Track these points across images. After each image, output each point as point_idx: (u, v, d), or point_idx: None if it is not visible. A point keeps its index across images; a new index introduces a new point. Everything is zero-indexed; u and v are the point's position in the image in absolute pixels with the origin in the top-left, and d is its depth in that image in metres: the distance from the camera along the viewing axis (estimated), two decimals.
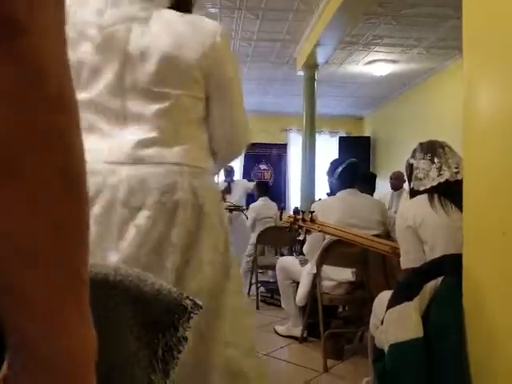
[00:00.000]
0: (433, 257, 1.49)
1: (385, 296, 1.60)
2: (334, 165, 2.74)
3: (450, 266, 1.38)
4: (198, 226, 0.96)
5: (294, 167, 7.73)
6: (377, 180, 5.23)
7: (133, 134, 0.95)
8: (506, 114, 1.19)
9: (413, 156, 1.68)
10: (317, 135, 6.65)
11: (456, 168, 1.58)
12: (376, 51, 5.08)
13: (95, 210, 0.91)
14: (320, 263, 2.36)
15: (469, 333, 1.30)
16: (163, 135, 0.97)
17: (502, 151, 1.21)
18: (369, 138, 7.35)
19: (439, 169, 1.59)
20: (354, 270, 2.54)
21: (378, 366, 1.46)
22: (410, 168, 1.67)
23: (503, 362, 1.17)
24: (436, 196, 1.57)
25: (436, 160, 1.61)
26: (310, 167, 5.19)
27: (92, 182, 0.90)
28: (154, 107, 0.96)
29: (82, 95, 0.94)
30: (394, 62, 5.32)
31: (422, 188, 1.62)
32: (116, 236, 0.91)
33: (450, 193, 1.55)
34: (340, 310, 2.90)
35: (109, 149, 0.94)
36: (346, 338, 2.54)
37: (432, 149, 1.64)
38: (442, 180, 1.58)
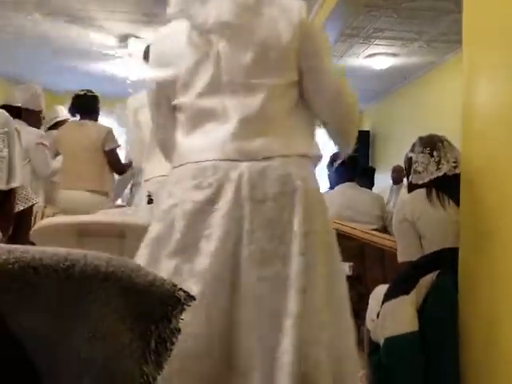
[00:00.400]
0: (430, 251, 1.49)
1: (381, 290, 1.61)
2: (333, 158, 2.74)
3: (446, 260, 1.38)
4: (311, 213, 0.98)
5: None
6: (376, 174, 5.23)
7: (237, 129, 0.98)
8: (506, 107, 1.19)
9: (412, 150, 1.68)
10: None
11: (454, 162, 1.57)
12: (376, 44, 5.04)
13: (221, 206, 0.95)
14: None
15: (464, 327, 1.30)
16: (267, 127, 1.00)
17: (500, 145, 1.20)
18: (368, 132, 7.32)
19: (438, 162, 1.59)
20: (350, 264, 2.54)
21: (373, 360, 1.46)
22: (409, 162, 1.67)
23: (500, 354, 1.17)
24: (434, 190, 1.57)
25: (435, 154, 1.60)
26: None
27: (213, 179, 0.96)
28: (254, 99, 0.99)
29: (181, 99, 1.03)
30: (394, 55, 5.28)
31: (420, 182, 1.62)
32: (246, 229, 0.94)
33: (447, 187, 1.54)
34: None
35: (218, 145, 0.98)
36: None
37: (431, 143, 1.64)
38: (441, 174, 1.58)
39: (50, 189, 2.98)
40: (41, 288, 0.52)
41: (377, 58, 5.37)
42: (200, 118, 1.03)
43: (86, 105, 2.82)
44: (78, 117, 2.89)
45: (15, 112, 2.51)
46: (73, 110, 2.88)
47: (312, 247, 0.97)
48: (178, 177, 1.04)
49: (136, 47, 4.22)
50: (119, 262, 0.58)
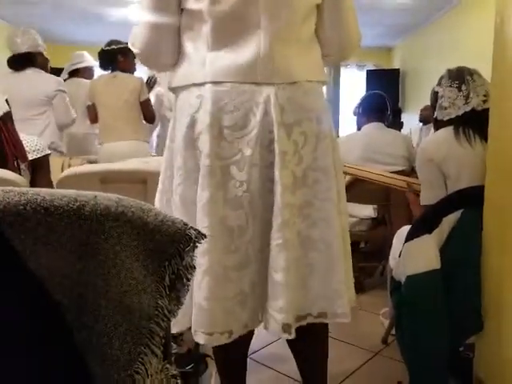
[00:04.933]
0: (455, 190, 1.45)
1: (405, 230, 1.59)
2: (363, 97, 2.64)
3: (471, 199, 1.34)
4: (330, 140, 1.02)
5: None
6: (407, 114, 5.02)
7: (267, 48, 0.94)
8: None
9: (439, 83, 1.58)
10: (342, 69, 6.34)
11: (484, 96, 1.48)
12: None
13: (249, 130, 0.93)
14: None
15: (488, 265, 1.29)
16: (296, 49, 0.98)
17: None
18: (398, 70, 6.96)
19: (466, 97, 1.50)
20: (375, 206, 2.52)
21: (394, 297, 1.48)
22: (435, 96, 1.58)
23: None
24: (461, 128, 1.50)
25: (463, 87, 1.51)
26: (335, 103, 5.03)
27: (238, 103, 0.93)
28: (290, 16, 0.95)
29: (204, 4, 0.92)
30: None
31: (446, 118, 1.54)
32: (277, 153, 0.93)
33: (475, 123, 1.47)
34: (362, 245, 2.93)
35: (245, 65, 0.94)
36: (366, 273, 2.58)
37: (460, 76, 1.54)
38: (468, 109, 1.49)
39: (74, 140, 3.03)
40: (53, 228, 0.53)
41: None
42: (227, 30, 0.94)
43: (112, 58, 2.80)
44: (104, 69, 2.88)
45: (28, 59, 2.50)
46: (103, 65, 2.86)
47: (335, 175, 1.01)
48: (197, 99, 0.95)
49: None
50: (129, 202, 0.59)
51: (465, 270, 1.32)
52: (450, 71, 1.58)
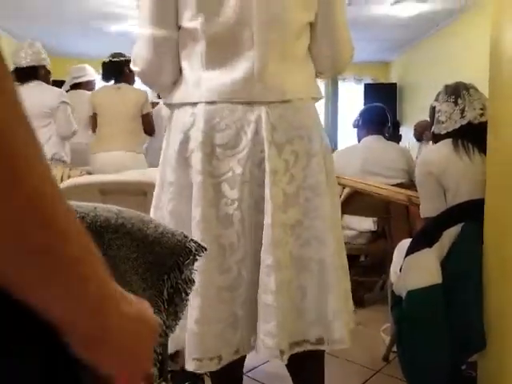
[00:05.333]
0: (454, 204, 1.45)
1: (405, 244, 1.58)
2: (363, 109, 2.66)
3: (471, 212, 1.34)
4: (322, 157, 1.01)
5: None
6: (404, 128, 5.03)
7: (261, 66, 0.94)
8: None
9: (436, 99, 1.60)
10: (340, 82, 6.38)
11: (481, 109, 1.49)
12: None
13: (241, 149, 0.94)
14: (341, 213, 2.33)
15: (489, 279, 1.27)
16: (290, 66, 0.98)
17: None
18: (395, 84, 7.03)
19: (462, 110, 1.51)
20: (375, 219, 2.51)
21: (395, 312, 1.46)
22: (433, 111, 1.60)
23: None
24: (460, 141, 1.50)
25: (459, 101, 1.52)
26: (333, 116, 5.05)
27: (230, 121, 0.93)
28: (283, 34, 0.96)
29: (199, 23, 0.92)
30: (421, 1, 4.95)
31: (443, 131, 1.55)
32: (267, 172, 0.93)
33: (473, 135, 1.47)
34: (362, 259, 2.90)
35: (237, 84, 0.94)
36: (366, 287, 2.55)
37: (456, 91, 1.56)
38: (464, 122, 1.50)
39: (77, 150, 3.03)
40: None
41: (404, 4, 5.05)
42: (221, 49, 0.94)
43: (119, 69, 2.81)
44: (107, 81, 2.89)
45: (31, 73, 2.52)
46: (106, 76, 2.87)
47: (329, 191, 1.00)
48: (191, 117, 0.96)
49: None
50: (129, 214, 0.59)
51: (466, 285, 1.31)
52: (447, 87, 1.60)
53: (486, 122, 1.33)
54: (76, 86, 3.25)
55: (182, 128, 0.97)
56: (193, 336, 0.92)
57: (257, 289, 0.95)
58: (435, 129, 1.58)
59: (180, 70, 1.01)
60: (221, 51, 0.94)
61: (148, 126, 2.86)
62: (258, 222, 0.95)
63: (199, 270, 0.89)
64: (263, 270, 0.92)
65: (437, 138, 1.59)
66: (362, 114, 2.65)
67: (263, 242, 0.93)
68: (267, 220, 0.92)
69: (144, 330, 0.36)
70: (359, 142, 2.66)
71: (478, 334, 1.27)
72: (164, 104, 1.09)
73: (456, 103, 1.52)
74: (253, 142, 0.93)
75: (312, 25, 1.02)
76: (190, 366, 0.94)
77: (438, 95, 1.61)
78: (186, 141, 0.96)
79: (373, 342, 2.04)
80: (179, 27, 0.98)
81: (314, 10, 1.00)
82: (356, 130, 2.75)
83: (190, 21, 0.94)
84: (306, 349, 0.99)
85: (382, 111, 2.61)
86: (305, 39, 1.02)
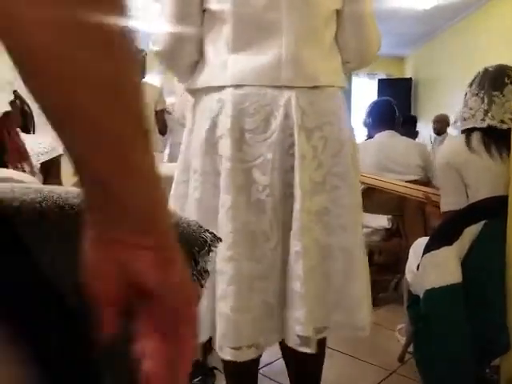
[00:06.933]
0: (476, 200, 1.38)
1: (422, 242, 1.53)
2: (371, 106, 2.59)
3: (494, 209, 1.28)
4: (351, 145, 1.01)
5: None
6: (419, 124, 4.93)
7: (291, 51, 0.93)
8: None
9: (471, 84, 1.48)
10: (353, 78, 6.30)
11: (503, 120, 1.38)
12: None
13: (270, 134, 0.92)
14: None
15: (511, 281, 1.22)
16: (320, 53, 0.97)
17: None
18: (410, 79, 6.92)
19: (485, 112, 1.41)
20: (389, 216, 2.46)
21: (412, 312, 1.42)
22: (465, 97, 1.49)
23: None
24: (480, 137, 1.41)
25: (486, 100, 1.41)
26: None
27: (258, 106, 0.92)
28: (314, 20, 0.95)
29: (227, 5, 0.91)
30: None
31: (463, 127, 1.47)
32: (297, 157, 0.92)
33: (495, 137, 1.39)
34: (376, 257, 2.85)
35: (266, 68, 0.92)
36: (380, 286, 2.50)
37: (489, 85, 1.43)
38: (484, 125, 1.41)
39: None
40: (68, 227, 0.50)
41: None
42: (249, 32, 0.92)
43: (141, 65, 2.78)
44: None
45: None
46: None
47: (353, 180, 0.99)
48: (218, 103, 0.93)
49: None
50: None
51: (488, 285, 1.25)
52: (485, 73, 1.45)
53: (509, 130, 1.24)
54: None
55: (208, 114, 0.95)
56: (229, 323, 0.90)
57: (287, 276, 0.94)
58: (459, 122, 1.50)
59: (201, 52, 0.99)
60: (248, 34, 0.92)
61: (161, 123, 2.80)
62: (287, 209, 0.93)
63: (231, 257, 0.89)
64: (292, 257, 0.91)
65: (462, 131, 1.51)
66: (371, 112, 2.59)
67: (293, 228, 0.91)
68: (296, 206, 0.91)
69: (191, 291, 0.34)
70: (370, 137, 2.61)
71: (501, 337, 1.22)
72: (186, 90, 1.06)
73: (483, 100, 1.42)
74: (282, 126, 0.92)
75: (338, 13, 1.00)
76: (225, 355, 0.92)
77: (473, 80, 1.47)
78: (213, 127, 0.94)
79: (388, 342, 2.00)
80: (204, 10, 0.95)
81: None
82: (366, 128, 2.70)
83: (218, 3, 0.92)
84: (327, 335, 0.99)
85: (390, 106, 2.56)
86: (333, 27, 1.00)
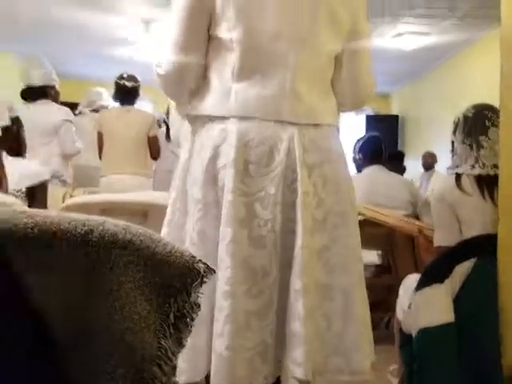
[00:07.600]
0: (469, 236, 1.40)
1: (412, 279, 1.53)
2: (360, 141, 2.66)
3: (486, 247, 1.29)
4: (349, 183, 1.03)
5: None
6: (407, 161, 5.02)
7: (295, 85, 0.94)
8: None
9: (454, 131, 1.51)
10: (341, 114, 6.43)
11: (495, 166, 1.40)
12: (405, 23, 4.80)
13: (273, 168, 0.92)
14: None
15: (506, 318, 1.22)
16: (322, 91, 1.00)
17: None
18: (397, 116, 7.12)
19: (475, 159, 1.43)
20: (379, 252, 2.46)
21: (405, 352, 1.40)
22: (452, 145, 1.54)
23: None
24: (472, 181, 1.43)
25: (474, 148, 1.42)
26: None
27: (262, 138, 0.92)
28: (318, 59, 0.98)
29: (235, 33, 0.91)
30: (424, 34, 5.03)
31: (455, 171, 1.50)
32: (299, 193, 0.92)
33: (486, 182, 1.41)
34: None
35: (270, 101, 0.93)
36: (371, 324, 2.46)
37: (475, 129, 1.44)
38: (475, 172, 1.42)
39: (85, 172, 3.04)
40: (59, 253, 0.50)
41: (405, 37, 5.13)
42: (255, 62, 0.93)
43: (130, 91, 2.85)
44: (118, 102, 2.91)
45: (41, 92, 2.56)
46: (117, 97, 2.89)
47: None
48: (222, 133, 0.93)
49: (160, 32, 4.22)
50: (138, 230, 0.55)
51: (481, 325, 1.25)
52: (466, 118, 1.47)
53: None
54: (93, 110, 3.33)
55: (210, 143, 0.94)
56: (223, 362, 0.87)
57: (285, 315, 0.91)
58: (451, 167, 1.53)
59: (204, 78, 0.99)
60: (255, 63, 0.94)
61: (154, 149, 2.84)
62: (287, 245, 0.92)
63: (229, 293, 0.86)
64: (292, 295, 0.89)
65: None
66: (361, 148, 2.65)
67: (294, 265, 0.90)
68: (298, 242, 0.90)
69: None
70: (359, 170, 2.66)
71: (495, 377, 1.20)
72: (186, 116, 1.05)
73: (471, 147, 1.43)
74: (285, 161, 0.92)
75: (337, 59, 1.02)
76: None
77: (455, 126, 1.50)
78: (215, 156, 0.93)
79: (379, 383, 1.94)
80: (209, 36, 0.96)
81: (341, 42, 1.00)
82: (354, 164, 2.75)
83: (226, 31, 0.93)
84: (327, 378, 0.96)
85: (379, 141, 2.63)
86: (332, 70, 1.03)
